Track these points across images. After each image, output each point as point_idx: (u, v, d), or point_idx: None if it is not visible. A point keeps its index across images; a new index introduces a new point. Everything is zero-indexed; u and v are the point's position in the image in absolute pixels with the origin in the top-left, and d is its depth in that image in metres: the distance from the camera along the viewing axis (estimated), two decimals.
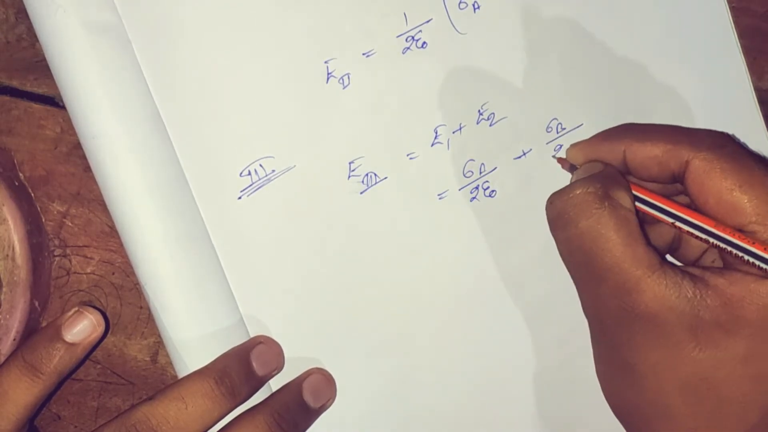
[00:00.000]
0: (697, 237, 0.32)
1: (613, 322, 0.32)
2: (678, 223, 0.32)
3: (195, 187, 0.36)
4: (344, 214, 0.38)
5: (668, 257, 0.37)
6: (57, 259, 0.39)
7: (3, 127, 0.38)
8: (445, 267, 0.39)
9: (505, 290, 0.39)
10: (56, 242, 0.39)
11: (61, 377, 0.36)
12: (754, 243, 0.30)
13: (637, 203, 0.33)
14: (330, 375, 0.39)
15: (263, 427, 0.35)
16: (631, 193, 0.33)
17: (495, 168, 0.39)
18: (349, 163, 0.37)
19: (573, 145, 0.36)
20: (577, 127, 0.39)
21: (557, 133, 0.39)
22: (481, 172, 0.39)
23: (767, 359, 0.30)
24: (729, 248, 0.31)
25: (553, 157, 0.38)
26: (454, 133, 0.38)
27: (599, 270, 0.31)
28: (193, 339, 0.36)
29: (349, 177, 0.38)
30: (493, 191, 0.39)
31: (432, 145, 0.38)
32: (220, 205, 0.36)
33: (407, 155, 0.38)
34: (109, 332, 0.39)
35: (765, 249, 0.30)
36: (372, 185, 0.38)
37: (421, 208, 0.38)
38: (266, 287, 0.37)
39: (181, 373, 0.36)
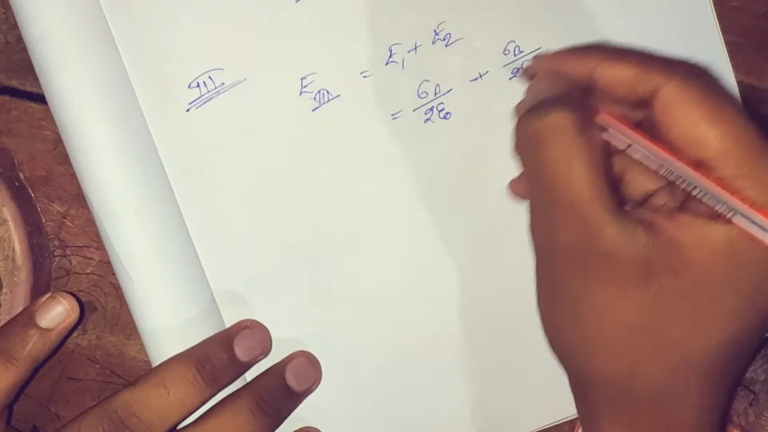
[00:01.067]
0: (651, 167, 0.31)
1: (567, 255, 0.31)
2: (633, 150, 0.32)
3: (142, 96, 0.36)
4: (295, 131, 0.37)
5: None
6: (57, 259, 0.39)
7: (3, 127, 0.38)
8: (396, 189, 0.38)
9: (457, 210, 0.39)
10: (56, 243, 0.39)
11: (36, 363, 0.36)
12: (710, 178, 0.30)
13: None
14: (314, 358, 0.38)
15: (245, 411, 0.35)
16: (599, 126, 0.32)
17: (450, 90, 0.38)
18: (301, 79, 0.37)
19: (539, 55, 0.35)
20: (535, 50, 0.38)
21: (515, 55, 0.38)
22: (436, 94, 0.38)
23: (712, 302, 0.30)
24: (683, 182, 0.31)
25: (517, 69, 0.37)
26: (409, 52, 0.38)
27: (563, 201, 0.31)
28: (139, 248, 0.36)
29: (301, 93, 0.37)
30: (447, 113, 0.38)
31: (386, 63, 0.38)
32: (167, 117, 0.36)
33: (361, 73, 0.37)
34: (109, 332, 0.39)
35: (721, 185, 0.30)
36: (324, 102, 0.37)
37: (375, 127, 0.38)
38: (214, 202, 0.37)
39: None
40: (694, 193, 0.30)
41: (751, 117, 0.38)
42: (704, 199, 0.30)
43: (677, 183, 0.31)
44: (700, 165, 0.30)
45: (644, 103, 0.32)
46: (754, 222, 0.29)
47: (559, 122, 0.31)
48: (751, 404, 0.41)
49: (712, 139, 0.30)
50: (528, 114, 0.32)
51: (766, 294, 0.30)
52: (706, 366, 0.31)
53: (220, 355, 0.36)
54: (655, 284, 0.30)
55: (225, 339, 0.36)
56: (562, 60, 0.34)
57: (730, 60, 0.40)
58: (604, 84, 0.32)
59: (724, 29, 0.40)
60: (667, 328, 0.30)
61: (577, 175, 0.30)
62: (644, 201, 0.35)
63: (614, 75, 0.32)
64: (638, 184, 0.35)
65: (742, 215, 0.30)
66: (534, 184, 0.32)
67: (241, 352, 0.36)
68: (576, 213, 0.30)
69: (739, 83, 0.40)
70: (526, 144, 0.32)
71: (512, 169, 0.37)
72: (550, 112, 0.31)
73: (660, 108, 0.31)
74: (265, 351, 0.38)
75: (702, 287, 0.30)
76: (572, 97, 0.32)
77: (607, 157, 0.33)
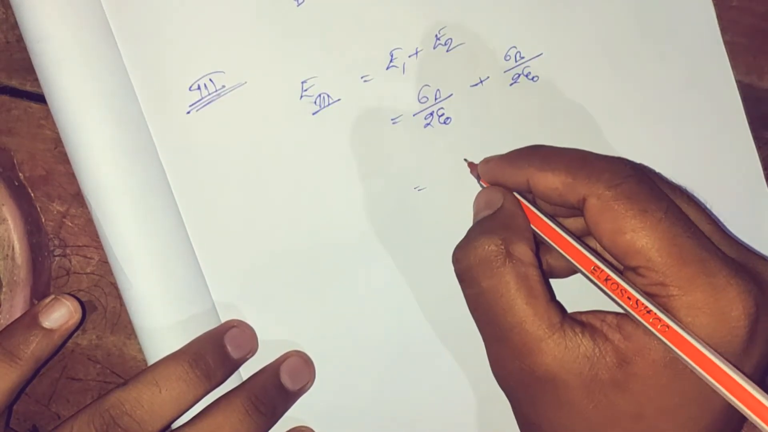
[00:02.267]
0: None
1: (516, 382, 0.32)
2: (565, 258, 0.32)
3: (143, 98, 0.36)
4: (295, 134, 0.37)
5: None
6: (57, 259, 0.39)
7: (3, 127, 0.38)
8: (395, 193, 0.38)
9: (456, 214, 0.39)
10: (56, 242, 0.39)
11: (39, 363, 0.36)
12: (623, 294, 0.30)
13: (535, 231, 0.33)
14: (308, 357, 0.38)
15: (240, 410, 0.35)
16: (531, 241, 0.32)
17: (451, 95, 0.38)
18: (302, 83, 0.37)
19: (485, 161, 0.35)
20: (537, 56, 0.38)
21: (516, 61, 0.38)
22: (436, 99, 0.38)
23: (660, 415, 0.30)
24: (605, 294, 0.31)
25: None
26: (410, 57, 0.38)
27: (501, 330, 0.31)
28: (138, 249, 0.36)
29: (301, 97, 0.37)
30: (447, 118, 0.38)
31: (387, 68, 0.38)
32: (167, 119, 0.36)
33: (361, 78, 0.37)
34: (109, 332, 0.40)
35: (631, 303, 0.30)
36: (325, 106, 0.37)
37: (374, 132, 0.38)
38: (214, 204, 0.37)
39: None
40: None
41: (750, 116, 0.38)
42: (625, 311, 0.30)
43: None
44: (631, 271, 0.30)
45: (578, 210, 0.32)
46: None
47: (481, 254, 0.31)
48: None
49: (638, 249, 0.30)
50: (455, 252, 0.33)
51: (709, 398, 0.30)
52: None
53: (211, 352, 0.36)
54: (603, 403, 0.30)
55: (215, 337, 0.36)
56: (500, 170, 0.34)
57: (731, 60, 0.40)
58: (538, 194, 0.33)
59: (724, 29, 0.40)
60: None
61: (507, 301, 0.31)
62: None
63: (545, 185, 0.32)
64: None
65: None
66: (476, 321, 0.33)
67: (231, 348, 0.36)
68: (515, 340, 0.31)
69: (739, 83, 0.40)
70: (460, 281, 0.33)
71: None
72: (472, 245, 0.32)
73: (588, 218, 0.31)
74: (253, 349, 0.38)
75: (647, 401, 0.30)
76: (504, 222, 0.33)
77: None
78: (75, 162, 0.35)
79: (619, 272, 0.31)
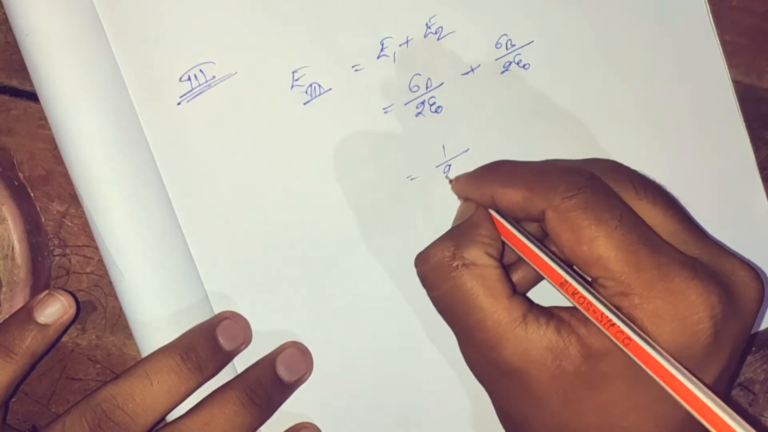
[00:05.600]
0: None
1: (485, 376, 0.33)
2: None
3: (133, 89, 0.36)
4: (287, 125, 0.37)
5: None
6: (57, 258, 0.39)
7: (3, 126, 0.38)
8: (388, 182, 0.38)
9: (450, 204, 0.38)
10: (56, 242, 0.39)
11: (34, 358, 0.36)
12: (589, 307, 0.30)
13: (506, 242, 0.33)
14: (305, 348, 0.38)
15: (236, 402, 0.35)
16: (489, 244, 0.33)
17: (442, 83, 0.38)
18: (293, 73, 0.37)
19: (455, 179, 0.37)
20: (528, 43, 0.38)
21: (507, 49, 0.38)
22: (427, 87, 0.38)
23: (628, 411, 0.30)
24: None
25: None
26: (400, 46, 0.38)
27: (465, 328, 0.32)
28: (129, 241, 0.36)
29: (292, 87, 0.37)
30: (439, 107, 0.38)
31: (378, 57, 0.38)
32: (158, 110, 0.36)
33: (352, 67, 0.37)
34: (109, 332, 0.40)
35: (597, 315, 0.30)
36: (315, 96, 0.37)
37: (366, 121, 0.38)
38: (205, 195, 0.37)
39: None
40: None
41: (745, 116, 0.38)
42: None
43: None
44: (595, 281, 0.31)
45: (541, 224, 0.32)
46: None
47: (436, 262, 0.32)
48: (750, 404, 0.41)
49: (596, 259, 0.30)
50: (416, 258, 0.34)
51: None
52: None
53: (203, 344, 0.36)
54: (570, 397, 0.30)
55: (207, 328, 0.36)
56: (468, 187, 0.35)
57: (731, 60, 0.40)
58: (503, 209, 0.33)
59: (724, 29, 0.40)
60: None
61: (465, 302, 0.32)
62: None
63: (508, 201, 0.33)
64: None
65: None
66: (443, 317, 0.34)
67: (224, 340, 0.36)
68: (478, 336, 0.31)
69: (739, 83, 0.40)
70: (423, 285, 0.34)
71: None
72: (427, 254, 0.33)
73: (548, 230, 0.31)
74: (246, 340, 0.38)
75: (614, 398, 0.30)
76: (460, 231, 0.34)
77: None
78: (65, 154, 0.35)
79: (588, 283, 0.31)
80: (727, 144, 0.40)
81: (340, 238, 0.38)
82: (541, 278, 0.34)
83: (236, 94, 0.37)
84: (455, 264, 0.32)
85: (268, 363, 0.37)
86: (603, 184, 0.32)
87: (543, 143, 0.36)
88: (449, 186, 0.38)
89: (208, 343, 0.36)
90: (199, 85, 0.36)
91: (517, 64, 0.38)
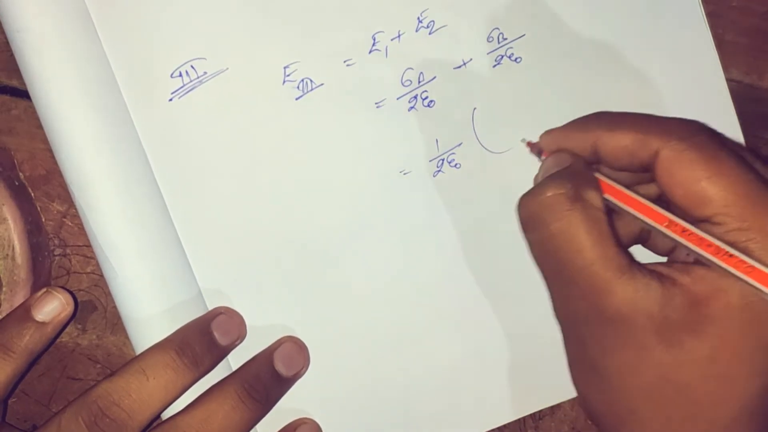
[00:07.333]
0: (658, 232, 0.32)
1: (583, 324, 0.32)
2: (638, 219, 0.32)
3: (124, 86, 0.36)
4: (279, 120, 0.37)
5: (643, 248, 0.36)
6: (57, 258, 0.39)
7: (3, 126, 0.38)
8: (381, 177, 0.38)
9: (443, 196, 0.39)
10: (56, 242, 0.39)
11: (32, 356, 0.36)
12: (702, 243, 0.30)
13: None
14: (302, 343, 0.38)
15: (233, 397, 0.35)
16: (600, 189, 0.32)
17: (434, 77, 0.38)
18: (284, 68, 0.37)
19: (546, 132, 0.35)
20: (519, 37, 0.38)
21: (498, 43, 0.38)
22: (419, 81, 0.38)
23: (733, 359, 0.30)
24: (683, 246, 0.31)
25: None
26: (392, 40, 0.38)
27: (570, 272, 0.31)
28: (122, 238, 0.36)
29: (284, 82, 0.37)
30: (431, 101, 0.38)
31: (370, 52, 0.38)
32: (150, 106, 0.36)
33: (344, 62, 0.37)
34: (109, 332, 0.40)
35: (712, 249, 0.30)
36: (308, 91, 0.37)
37: (358, 116, 0.38)
38: (198, 192, 0.37)
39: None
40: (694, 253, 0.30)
41: (746, 116, 0.37)
42: (701, 258, 0.30)
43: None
44: (706, 222, 0.30)
45: (648, 167, 0.32)
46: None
47: (551, 198, 0.31)
48: None
49: (713, 196, 0.30)
50: (522, 198, 0.32)
51: None
52: (733, 427, 0.30)
53: (199, 339, 0.36)
54: (675, 344, 0.30)
55: (202, 324, 0.36)
56: (564, 137, 0.35)
57: (731, 60, 0.40)
58: (606, 155, 0.33)
59: (724, 29, 0.40)
60: (691, 390, 0.30)
61: (577, 244, 0.31)
62: (671, 251, 0.35)
63: (615, 144, 0.32)
64: (659, 241, 0.35)
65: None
66: (542, 265, 0.33)
67: (219, 335, 0.36)
68: (584, 281, 0.31)
69: (739, 83, 0.40)
70: (526, 227, 0.33)
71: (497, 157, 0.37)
72: (541, 190, 0.32)
73: (661, 171, 0.31)
74: (242, 335, 0.38)
75: (721, 344, 0.30)
76: (573, 171, 0.33)
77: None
78: (57, 151, 0.35)
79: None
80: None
81: (333, 233, 0.38)
82: (633, 241, 0.34)
83: (228, 89, 0.37)
84: (572, 202, 0.31)
85: (265, 358, 0.37)
86: (716, 132, 0.32)
87: (535, 137, 0.36)
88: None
89: (204, 338, 0.36)
90: (191, 81, 0.36)
91: (509, 57, 0.38)
